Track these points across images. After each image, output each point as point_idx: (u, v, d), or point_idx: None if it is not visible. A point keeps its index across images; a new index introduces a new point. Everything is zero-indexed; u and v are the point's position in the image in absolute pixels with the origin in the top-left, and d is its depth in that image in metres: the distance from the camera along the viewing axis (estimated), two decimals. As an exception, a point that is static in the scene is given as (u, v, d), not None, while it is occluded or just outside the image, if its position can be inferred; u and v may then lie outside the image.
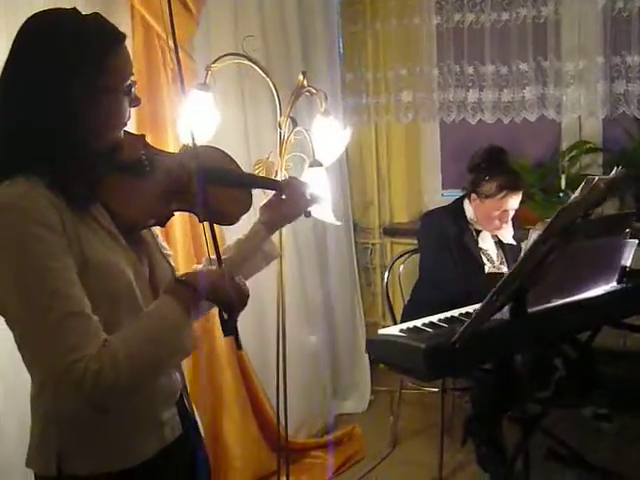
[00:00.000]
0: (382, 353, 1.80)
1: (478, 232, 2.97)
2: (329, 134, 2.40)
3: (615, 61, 3.40)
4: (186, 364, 1.48)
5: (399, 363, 1.73)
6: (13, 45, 1.23)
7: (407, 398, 3.46)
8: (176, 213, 1.43)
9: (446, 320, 1.82)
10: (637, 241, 1.97)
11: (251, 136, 3.15)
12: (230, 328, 1.29)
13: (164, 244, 1.50)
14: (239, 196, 1.53)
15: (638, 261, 2.03)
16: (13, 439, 2.13)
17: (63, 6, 1.27)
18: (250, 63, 2.37)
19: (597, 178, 1.76)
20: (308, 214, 1.68)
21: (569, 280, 1.82)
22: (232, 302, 1.27)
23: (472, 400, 2.87)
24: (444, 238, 2.90)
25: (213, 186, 1.42)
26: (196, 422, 1.53)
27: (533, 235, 2.04)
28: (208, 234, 1.30)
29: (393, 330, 1.75)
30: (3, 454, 2.17)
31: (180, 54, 1.43)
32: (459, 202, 3.00)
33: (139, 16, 2.61)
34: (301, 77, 2.42)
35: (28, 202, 1.16)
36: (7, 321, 1.20)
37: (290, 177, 1.79)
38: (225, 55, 2.37)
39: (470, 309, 1.88)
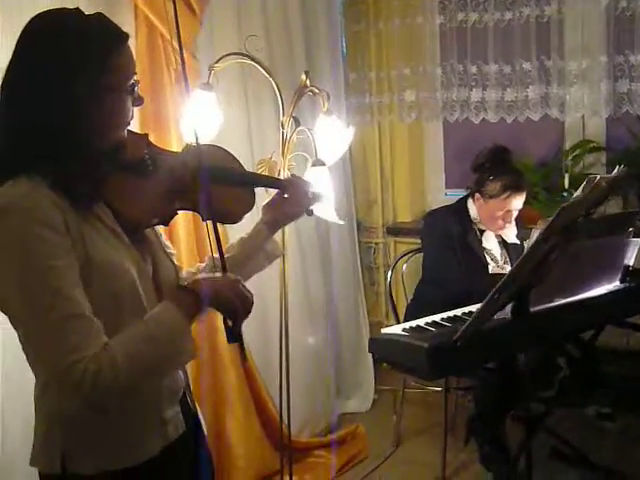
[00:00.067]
0: (385, 352, 1.80)
1: (482, 231, 2.97)
2: (332, 134, 2.40)
3: (618, 60, 3.38)
4: (189, 362, 1.48)
5: (402, 362, 1.72)
6: (17, 45, 1.23)
7: (410, 397, 3.46)
8: (179, 212, 1.44)
9: (449, 319, 1.82)
10: (640, 240, 1.97)
11: (254, 135, 3.16)
12: (234, 335, 1.29)
13: (167, 243, 1.51)
14: (242, 195, 1.54)
15: (641, 260, 2.03)
16: (17, 438, 2.14)
17: (66, 6, 1.28)
18: (253, 63, 2.37)
19: (599, 177, 1.76)
20: (310, 212, 1.68)
21: (572, 279, 1.82)
22: (236, 310, 1.27)
23: (475, 399, 2.86)
24: (447, 237, 2.90)
25: (216, 185, 1.42)
26: (199, 420, 1.53)
27: (535, 234, 2.04)
28: (211, 233, 1.30)
29: (396, 329, 1.75)
30: (8, 453, 2.18)
31: (184, 54, 1.44)
32: (463, 201, 3.00)
33: (142, 16, 2.62)
34: (304, 77, 2.42)
35: (31, 202, 1.16)
36: (11, 320, 1.20)
37: (292, 175, 1.79)
38: (228, 55, 2.37)
39: (473, 308, 1.87)
